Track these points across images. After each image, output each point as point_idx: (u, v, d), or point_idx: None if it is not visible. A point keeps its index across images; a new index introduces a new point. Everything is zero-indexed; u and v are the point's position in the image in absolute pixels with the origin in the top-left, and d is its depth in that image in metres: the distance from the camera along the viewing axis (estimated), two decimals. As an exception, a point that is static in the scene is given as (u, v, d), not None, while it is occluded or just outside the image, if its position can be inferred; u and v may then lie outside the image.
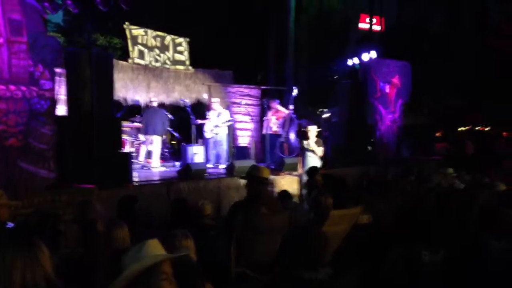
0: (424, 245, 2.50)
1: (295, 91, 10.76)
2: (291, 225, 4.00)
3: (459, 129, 20.29)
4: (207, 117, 10.34)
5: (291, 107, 10.69)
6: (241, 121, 11.97)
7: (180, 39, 11.63)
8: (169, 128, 12.05)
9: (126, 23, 10.67)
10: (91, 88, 6.98)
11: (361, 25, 20.67)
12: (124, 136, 9.69)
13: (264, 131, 10.97)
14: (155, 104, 10.34)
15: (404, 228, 3.47)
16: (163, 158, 11.61)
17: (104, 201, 5.44)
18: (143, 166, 10.00)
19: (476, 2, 20.53)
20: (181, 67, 11.52)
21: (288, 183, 8.43)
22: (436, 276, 2.49)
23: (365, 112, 11.41)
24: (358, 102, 11.26)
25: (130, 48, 10.64)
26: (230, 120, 10.72)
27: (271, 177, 8.06)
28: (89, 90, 6.98)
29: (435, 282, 2.46)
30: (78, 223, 3.95)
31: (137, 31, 10.79)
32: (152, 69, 10.96)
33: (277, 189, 7.50)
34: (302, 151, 8.40)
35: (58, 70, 6.92)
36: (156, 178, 8.58)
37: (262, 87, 12.95)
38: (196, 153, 9.97)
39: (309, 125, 8.56)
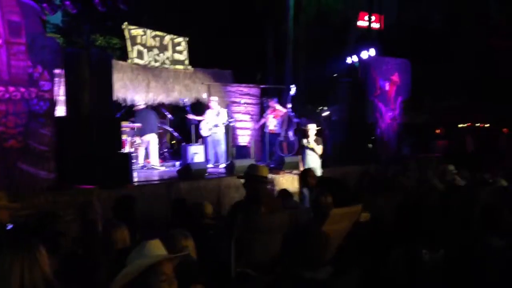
0: (425, 244, 2.49)
1: (293, 90, 10.71)
2: (292, 224, 4.00)
3: (459, 125, 20.26)
4: (204, 115, 10.31)
5: (289, 105, 10.68)
6: (241, 120, 11.96)
7: (179, 39, 11.61)
8: (169, 128, 12.06)
9: (125, 23, 10.65)
10: (90, 89, 6.97)
11: (360, 23, 20.63)
12: (124, 137, 9.69)
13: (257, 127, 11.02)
14: (142, 106, 10.39)
15: (405, 226, 3.46)
16: (163, 158, 11.62)
17: (104, 201, 5.43)
18: (143, 167, 10.00)
19: (477, 1, 20.48)
20: (180, 67, 11.50)
21: (288, 181, 8.43)
22: (436, 275, 2.48)
23: (365, 110, 11.42)
24: (358, 100, 11.27)
25: (129, 48, 10.62)
26: (232, 120, 10.72)
27: (272, 176, 8.09)
28: (88, 91, 6.97)
29: (435, 281, 2.45)
30: (78, 223, 3.95)
31: (136, 31, 10.77)
32: (152, 69, 10.94)
33: (278, 187, 7.50)
34: (301, 150, 8.39)
35: (57, 71, 6.91)
36: (156, 178, 8.58)
37: (262, 86, 12.94)
38: (196, 153, 9.97)
39: (309, 123, 8.54)
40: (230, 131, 11.11)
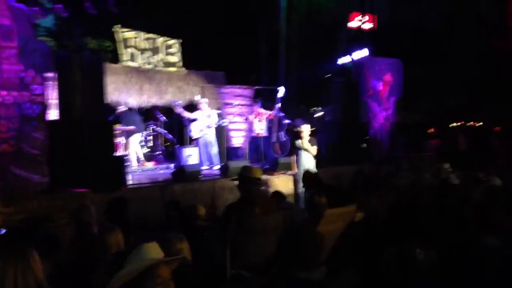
0: (418, 243, 2.49)
1: (281, 92, 10.71)
2: (286, 225, 4.00)
3: (451, 125, 20.33)
4: (193, 117, 10.21)
5: (278, 106, 10.70)
6: (234, 122, 11.95)
7: (172, 41, 11.59)
8: (162, 130, 12.03)
9: (116, 26, 10.62)
10: (82, 92, 6.94)
11: (352, 24, 20.65)
12: (117, 139, 9.65)
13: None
14: (124, 108, 10.42)
15: (397, 226, 3.47)
16: (157, 160, 11.59)
17: (97, 205, 5.41)
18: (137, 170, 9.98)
19: (477, 1, 20.53)
20: (173, 69, 11.49)
21: (282, 182, 8.44)
22: (431, 274, 2.48)
23: (358, 110, 11.45)
24: (351, 100, 11.30)
25: (122, 51, 10.59)
26: (224, 121, 10.71)
27: (266, 177, 8.09)
28: (80, 94, 6.95)
29: (430, 281, 2.45)
30: (72, 227, 3.93)
31: (129, 34, 10.75)
32: (145, 72, 10.91)
33: (272, 189, 7.50)
34: (295, 150, 8.38)
35: (50, 74, 6.88)
36: (150, 180, 8.55)
37: (255, 87, 12.93)
38: (190, 155, 9.94)
39: (302, 124, 8.54)
40: (223, 133, 11.10)
